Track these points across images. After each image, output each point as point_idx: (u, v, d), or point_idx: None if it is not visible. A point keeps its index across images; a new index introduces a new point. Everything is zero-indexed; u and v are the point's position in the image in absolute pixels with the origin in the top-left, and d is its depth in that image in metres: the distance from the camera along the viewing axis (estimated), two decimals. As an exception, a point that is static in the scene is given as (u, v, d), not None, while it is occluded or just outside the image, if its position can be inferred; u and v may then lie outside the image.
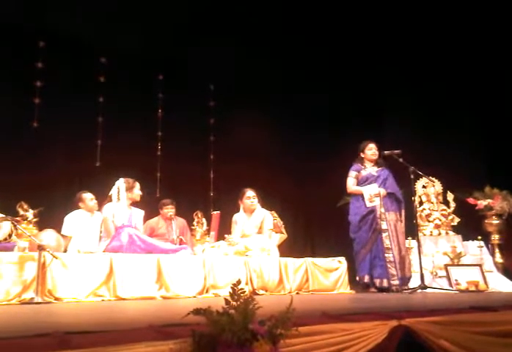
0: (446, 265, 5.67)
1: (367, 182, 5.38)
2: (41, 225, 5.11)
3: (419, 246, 5.15)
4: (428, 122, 7.53)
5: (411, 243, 5.99)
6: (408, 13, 6.79)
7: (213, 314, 1.49)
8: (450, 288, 5.28)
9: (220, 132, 7.51)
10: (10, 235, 3.99)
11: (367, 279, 5.07)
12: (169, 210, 5.86)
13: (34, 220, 5.16)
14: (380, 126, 7.52)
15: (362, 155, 5.52)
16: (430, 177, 6.34)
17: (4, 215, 4.10)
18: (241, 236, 5.36)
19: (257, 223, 5.42)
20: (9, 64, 5.84)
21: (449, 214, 6.59)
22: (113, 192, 4.86)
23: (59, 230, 4.91)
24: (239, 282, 1.65)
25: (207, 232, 6.06)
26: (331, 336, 1.78)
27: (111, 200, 4.86)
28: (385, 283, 4.99)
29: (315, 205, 7.53)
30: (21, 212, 5.12)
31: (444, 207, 6.64)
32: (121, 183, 4.88)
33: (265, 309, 1.50)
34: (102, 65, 6.71)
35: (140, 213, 5.00)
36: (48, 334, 1.45)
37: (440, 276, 5.68)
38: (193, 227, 6.29)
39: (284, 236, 5.83)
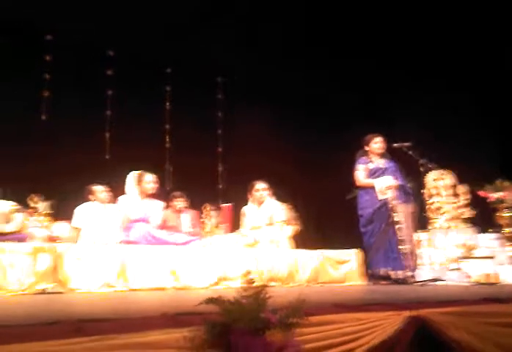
0: (457, 258, 5.63)
1: (375, 175, 5.32)
2: (53, 217, 5.17)
3: (429, 239, 5.12)
4: (438, 114, 7.45)
5: (422, 236, 5.96)
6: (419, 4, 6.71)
7: (226, 304, 1.49)
8: (462, 281, 5.25)
9: (228, 125, 7.50)
10: (23, 227, 4.02)
11: (382, 271, 5.05)
12: (179, 202, 5.86)
13: (46, 212, 5.22)
14: (390, 118, 7.45)
15: (367, 148, 5.44)
16: (441, 170, 6.29)
17: (16, 207, 4.13)
18: (251, 228, 5.35)
19: (267, 215, 5.41)
20: (18, 58, 5.85)
21: (460, 207, 6.54)
22: (126, 185, 4.90)
23: (70, 222, 4.95)
24: (250, 272, 1.64)
25: (217, 224, 6.06)
26: (344, 325, 1.77)
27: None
28: (400, 275, 4.99)
29: (327, 197, 7.49)
30: (32, 204, 5.17)
31: (455, 200, 6.59)
32: (130, 177, 4.90)
33: (276, 300, 1.50)
34: (110, 58, 6.71)
35: (159, 204, 4.99)
36: (61, 321, 1.45)
37: (452, 269, 5.64)
38: (202, 220, 6.30)
39: (297, 228, 5.82)
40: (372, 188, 5.27)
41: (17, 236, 3.88)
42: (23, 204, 4.93)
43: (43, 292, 3.39)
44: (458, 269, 5.51)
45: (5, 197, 4.59)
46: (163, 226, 5.60)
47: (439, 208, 6.56)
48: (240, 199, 5.85)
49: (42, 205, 5.21)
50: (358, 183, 5.40)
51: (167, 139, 7.14)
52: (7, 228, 3.90)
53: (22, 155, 5.59)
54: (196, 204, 6.27)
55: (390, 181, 5.21)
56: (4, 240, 3.65)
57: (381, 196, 5.19)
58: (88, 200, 5.36)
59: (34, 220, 4.10)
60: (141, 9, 6.14)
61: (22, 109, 5.87)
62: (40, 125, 6.05)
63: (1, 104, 5.67)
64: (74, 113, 6.12)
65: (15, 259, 3.47)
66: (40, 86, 6.18)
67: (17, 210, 3.98)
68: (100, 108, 6.58)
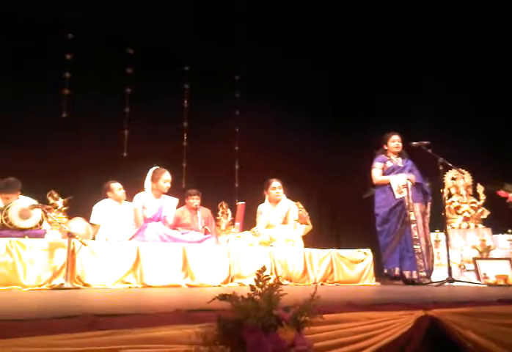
0: (474, 259, 5.57)
1: (393, 173, 5.32)
2: (70, 213, 5.24)
3: (447, 239, 5.07)
4: (457, 113, 7.36)
5: (440, 235, 5.90)
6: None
7: (238, 300, 1.50)
8: (478, 282, 5.20)
9: (245, 123, 7.51)
10: (41, 223, 4.09)
11: (397, 271, 5.03)
12: (195, 200, 5.90)
13: (64, 208, 5.29)
14: (407, 117, 7.39)
15: (386, 147, 5.45)
16: (460, 169, 6.21)
17: (35, 203, 4.21)
18: (266, 227, 5.37)
19: (282, 213, 5.41)
20: (39, 57, 5.94)
21: (478, 207, 6.46)
22: (146, 181, 4.92)
23: (87, 219, 5.01)
24: (264, 269, 1.65)
25: (232, 222, 6.08)
26: (356, 324, 1.77)
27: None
28: (414, 275, 4.96)
29: (341, 196, 7.47)
30: (51, 200, 5.25)
31: (474, 200, 6.51)
32: (149, 173, 4.92)
33: (289, 298, 1.51)
34: (129, 57, 6.78)
35: (173, 201, 5.00)
36: (76, 315, 1.48)
37: (468, 270, 5.59)
38: (218, 218, 6.32)
39: (310, 227, 5.82)
40: (389, 187, 5.25)
41: (35, 232, 3.95)
42: (43, 199, 5.02)
43: (60, 287, 3.44)
44: (474, 270, 5.45)
45: (25, 193, 4.68)
46: (178, 223, 5.65)
47: (457, 208, 6.50)
48: (254, 197, 5.87)
49: (61, 201, 5.30)
50: (374, 181, 5.40)
51: (184, 137, 7.18)
52: (26, 224, 3.97)
53: (42, 152, 5.68)
54: (212, 202, 6.31)
55: (405, 179, 5.17)
56: (23, 236, 3.72)
57: (397, 195, 5.17)
58: (105, 197, 5.42)
59: (53, 216, 4.17)
60: (160, 8, 6.19)
61: (43, 107, 5.96)
62: (61, 122, 6.13)
63: (24, 102, 5.78)
64: (94, 111, 6.22)
65: (34, 255, 3.54)
66: (61, 85, 6.27)
67: (36, 206, 4.05)
68: (119, 106, 6.65)
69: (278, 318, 1.48)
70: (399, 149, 5.41)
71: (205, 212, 5.95)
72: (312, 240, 5.74)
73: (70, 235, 3.61)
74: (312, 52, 7.14)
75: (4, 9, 5.83)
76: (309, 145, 7.65)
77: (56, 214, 4.80)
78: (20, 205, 4.04)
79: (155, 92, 6.63)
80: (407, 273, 4.99)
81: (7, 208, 3.96)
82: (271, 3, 6.46)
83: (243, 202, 5.68)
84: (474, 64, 7.05)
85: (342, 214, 7.82)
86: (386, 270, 5.17)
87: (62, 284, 3.46)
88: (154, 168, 4.93)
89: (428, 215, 5.28)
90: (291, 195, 5.68)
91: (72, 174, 5.80)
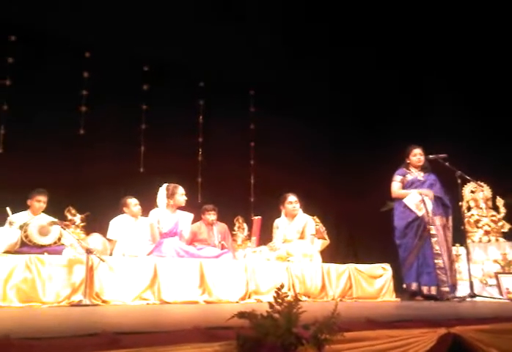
0: (496, 273, 5.46)
1: (412, 186, 5.25)
2: (87, 229, 5.30)
3: (467, 254, 4.98)
4: (475, 125, 7.28)
5: (460, 250, 5.80)
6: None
7: (258, 318, 1.49)
8: (501, 297, 5.08)
9: (260, 137, 7.53)
10: (59, 239, 4.13)
11: (414, 286, 4.93)
12: (211, 215, 5.90)
13: (82, 224, 5.35)
14: (425, 129, 7.33)
15: (408, 161, 5.41)
16: (479, 182, 6.12)
17: (54, 220, 4.25)
18: (283, 241, 5.33)
19: (298, 228, 5.38)
20: (57, 74, 6.05)
21: (499, 220, 6.35)
22: (158, 198, 4.94)
23: (104, 234, 5.04)
24: (282, 286, 1.64)
25: (249, 237, 6.07)
26: (378, 342, 1.74)
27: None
28: (433, 291, 4.84)
29: (358, 210, 7.40)
30: (69, 216, 5.32)
31: (494, 213, 6.40)
32: (162, 190, 4.93)
33: (308, 315, 1.49)
34: (145, 73, 6.87)
35: (188, 216, 5.02)
36: (96, 333, 1.48)
37: (490, 285, 5.47)
38: (234, 232, 6.33)
39: (327, 242, 5.77)
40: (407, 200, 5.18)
41: (54, 248, 3.98)
42: (60, 215, 5.08)
43: (79, 303, 3.45)
44: (496, 285, 5.34)
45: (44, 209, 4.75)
46: (194, 238, 5.64)
47: (477, 221, 6.40)
48: (270, 211, 5.84)
49: (79, 217, 5.36)
50: (393, 194, 5.34)
51: (200, 152, 7.22)
52: (45, 240, 4.00)
53: (60, 168, 5.76)
54: (228, 216, 6.30)
55: (418, 196, 5.08)
56: (42, 253, 3.75)
57: (419, 213, 5.07)
58: (122, 212, 5.45)
59: (71, 232, 4.21)
60: (174, 25, 6.27)
61: (61, 124, 6.05)
62: (78, 139, 6.21)
63: (42, 119, 5.89)
64: (110, 127, 6.30)
65: (53, 271, 3.56)
66: (78, 102, 6.37)
67: (55, 223, 4.09)
68: (136, 122, 6.73)
69: (298, 336, 1.46)
70: (420, 163, 5.35)
71: (221, 227, 5.94)
72: (329, 255, 5.69)
73: (88, 251, 3.63)
74: (325, 66, 7.14)
75: (22, 28, 5.98)
76: (325, 159, 7.62)
77: (73, 230, 4.86)
78: (39, 222, 4.08)
79: (170, 107, 6.70)
80: (425, 289, 4.88)
81: (27, 225, 4.01)
82: (285, 17, 6.51)
83: (260, 217, 5.66)
84: (492, 72, 6.98)
85: (360, 229, 7.74)
86: (404, 285, 5.09)
87: (81, 300, 3.47)
88: (165, 185, 4.94)
89: (451, 229, 5.18)
90: (307, 209, 5.65)
91: (90, 189, 5.86)
